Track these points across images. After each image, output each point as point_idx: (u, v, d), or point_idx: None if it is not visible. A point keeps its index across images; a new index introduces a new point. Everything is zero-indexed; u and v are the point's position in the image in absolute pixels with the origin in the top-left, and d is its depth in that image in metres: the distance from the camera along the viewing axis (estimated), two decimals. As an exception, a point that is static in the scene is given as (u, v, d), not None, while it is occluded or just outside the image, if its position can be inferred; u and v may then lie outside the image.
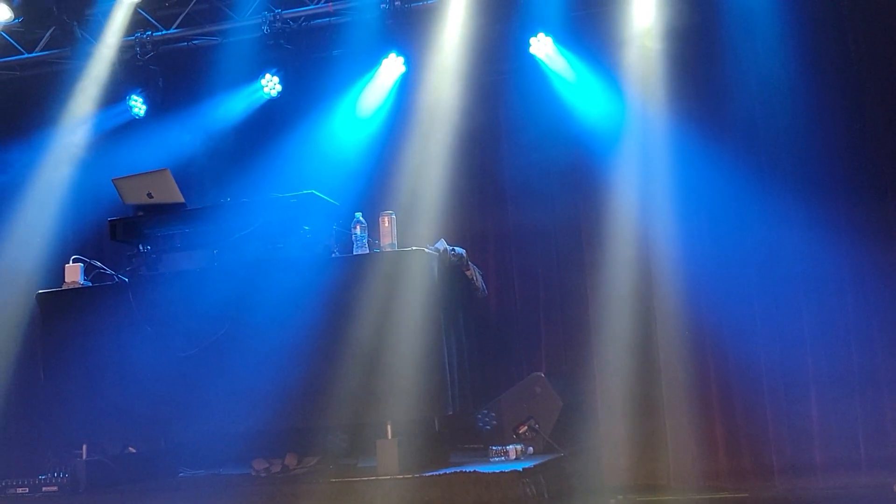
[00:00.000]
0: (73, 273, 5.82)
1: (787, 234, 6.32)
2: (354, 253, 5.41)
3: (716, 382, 6.37)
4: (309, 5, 7.38)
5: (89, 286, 5.81)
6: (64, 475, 5.47)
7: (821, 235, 6.20)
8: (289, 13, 7.36)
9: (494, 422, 6.10)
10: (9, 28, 7.71)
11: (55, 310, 5.76)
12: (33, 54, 7.98)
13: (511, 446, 5.60)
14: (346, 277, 5.30)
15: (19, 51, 7.97)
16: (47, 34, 7.84)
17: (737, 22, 6.49)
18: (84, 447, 5.59)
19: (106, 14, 7.62)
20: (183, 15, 7.68)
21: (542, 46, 7.10)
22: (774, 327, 6.30)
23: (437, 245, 5.68)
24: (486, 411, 6.14)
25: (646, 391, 6.33)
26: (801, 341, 6.24)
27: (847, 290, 6.21)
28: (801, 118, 6.40)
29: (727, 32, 6.52)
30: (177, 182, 5.63)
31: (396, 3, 7.12)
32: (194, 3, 7.64)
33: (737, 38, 6.49)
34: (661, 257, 6.38)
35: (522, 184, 7.24)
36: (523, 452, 5.64)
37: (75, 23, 7.64)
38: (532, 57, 7.16)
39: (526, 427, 5.99)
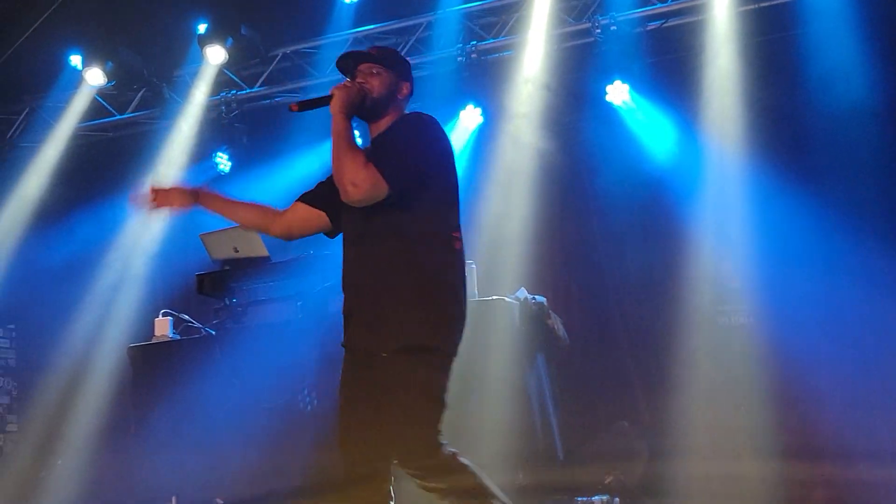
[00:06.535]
0: (163, 327, 5.95)
1: (879, 282, 6.13)
2: (435, 303, 5.41)
3: (801, 428, 6.17)
4: (387, 61, 7.52)
5: (178, 339, 5.93)
6: (154, 526, 5.56)
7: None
8: (368, 69, 7.52)
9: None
10: (102, 92, 8.03)
11: (145, 362, 5.89)
12: (124, 115, 8.28)
13: (597, 497, 5.51)
14: (428, 328, 5.30)
15: (111, 112, 8.28)
16: (138, 96, 8.14)
17: (816, 59, 6.41)
18: (174, 499, 5.66)
19: (193, 75, 7.89)
20: (266, 74, 7.90)
21: (619, 93, 7.11)
22: (857, 382, 6.10)
23: (517, 294, 5.67)
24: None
25: (731, 438, 6.17)
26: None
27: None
28: (887, 155, 6.27)
29: (807, 72, 6.45)
30: (262, 236, 5.74)
31: (473, 55, 7.22)
32: (277, 62, 7.87)
33: (817, 77, 6.40)
34: (745, 303, 6.26)
35: (604, 231, 7.20)
36: (609, 503, 5.55)
37: (164, 84, 7.93)
38: (608, 104, 7.17)
39: (612, 477, 5.90)
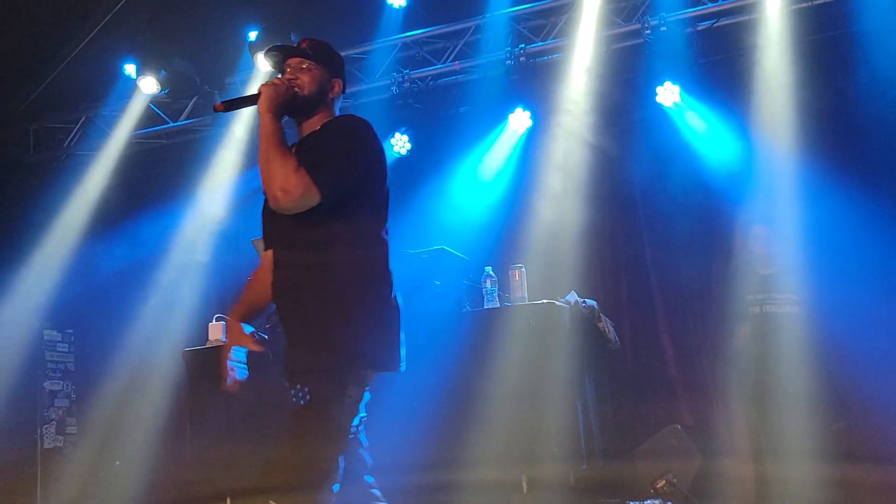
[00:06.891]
0: (217, 331, 6.04)
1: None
2: (485, 307, 5.44)
3: (856, 432, 6.06)
4: (436, 64, 7.56)
5: (231, 343, 6.00)
6: (209, 528, 5.63)
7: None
8: (417, 73, 7.55)
9: None
10: (156, 100, 8.16)
11: (200, 366, 5.98)
12: (178, 123, 8.37)
13: (649, 501, 5.48)
14: (478, 331, 5.33)
15: (165, 120, 8.40)
16: (190, 104, 8.25)
17: (872, 57, 6.30)
18: (228, 499, 5.73)
19: (244, 82, 7.96)
20: (316, 80, 7.95)
21: (669, 95, 7.07)
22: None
23: (567, 297, 5.66)
24: None
25: (781, 441, 6.08)
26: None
27: None
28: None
29: (862, 70, 6.35)
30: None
31: (521, 58, 7.20)
32: (326, 68, 7.92)
33: (873, 75, 6.30)
34: (798, 307, 6.15)
35: (654, 235, 7.15)
36: (661, 507, 5.52)
37: (216, 92, 8.01)
38: (659, 106, 7.13)
39: (664, 481, 5.85)
